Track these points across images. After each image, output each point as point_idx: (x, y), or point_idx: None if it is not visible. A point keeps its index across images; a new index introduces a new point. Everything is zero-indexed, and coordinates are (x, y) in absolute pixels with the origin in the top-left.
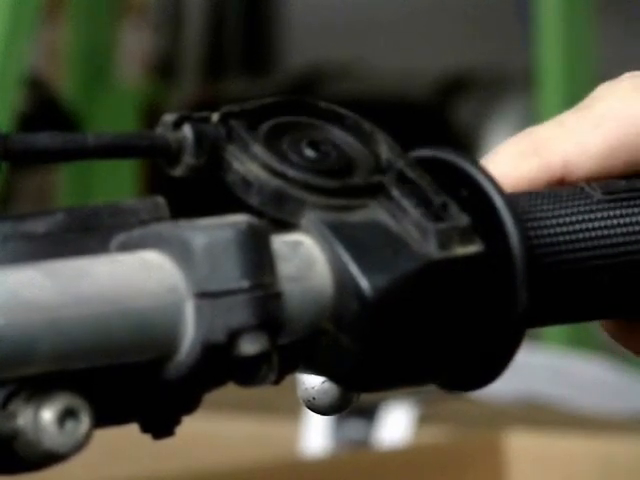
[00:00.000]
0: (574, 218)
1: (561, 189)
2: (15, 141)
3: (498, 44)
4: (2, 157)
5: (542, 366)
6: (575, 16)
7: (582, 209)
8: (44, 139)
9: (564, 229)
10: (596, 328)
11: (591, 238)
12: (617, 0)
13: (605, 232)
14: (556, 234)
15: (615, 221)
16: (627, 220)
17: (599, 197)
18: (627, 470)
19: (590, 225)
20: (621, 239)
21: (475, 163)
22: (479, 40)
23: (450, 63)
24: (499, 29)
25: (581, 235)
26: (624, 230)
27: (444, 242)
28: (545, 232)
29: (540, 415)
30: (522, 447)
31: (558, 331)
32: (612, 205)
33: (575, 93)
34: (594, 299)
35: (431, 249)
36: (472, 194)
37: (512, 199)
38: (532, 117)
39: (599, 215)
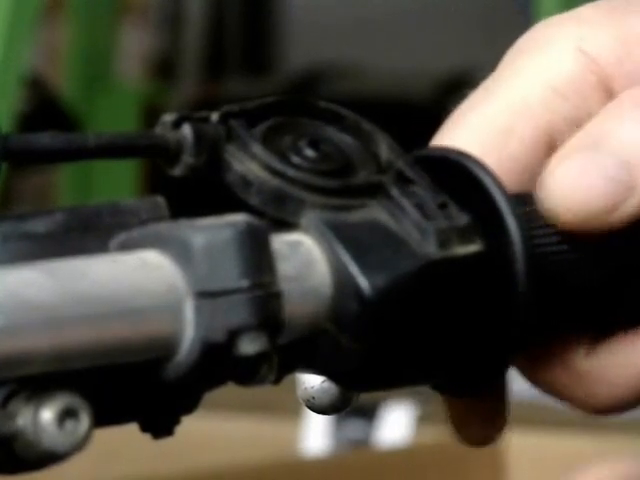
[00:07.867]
0: None
1: None
2: (15, 141)
3: (499, 44)
4: (2, 157)
5: None
6: None
7: None
8: (44, 139)
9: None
10: None
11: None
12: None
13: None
14: (560, 233)
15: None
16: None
17: None
18: None
19: None
20: (623, 241)
21: (477, 161)
22: (479, 40)
23: (450, 63)
24: (499, 29)
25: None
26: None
27: (443, 242)
28: (549, 231)
29: (540, 415)
30: (522, 447)
31: None
32: None
33: None
34: (599, 302)
35: (430, 249)
36: (474, 192)
37: (515, 198)
38: None
39: None
